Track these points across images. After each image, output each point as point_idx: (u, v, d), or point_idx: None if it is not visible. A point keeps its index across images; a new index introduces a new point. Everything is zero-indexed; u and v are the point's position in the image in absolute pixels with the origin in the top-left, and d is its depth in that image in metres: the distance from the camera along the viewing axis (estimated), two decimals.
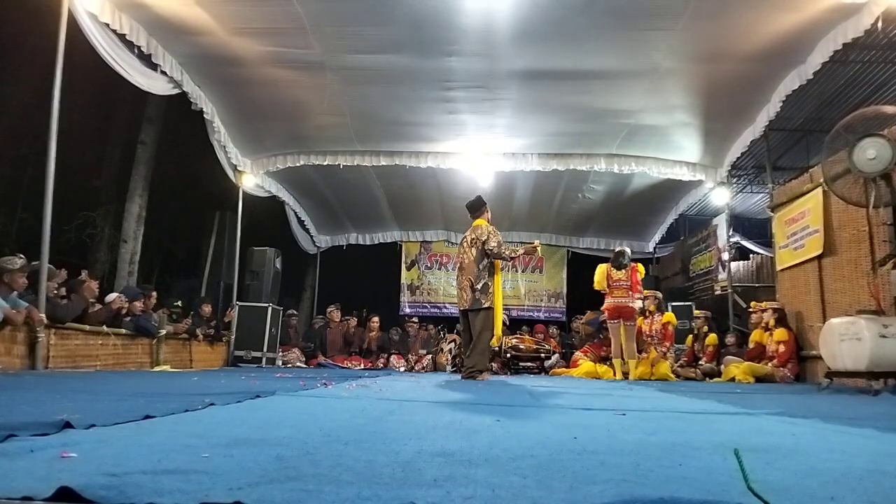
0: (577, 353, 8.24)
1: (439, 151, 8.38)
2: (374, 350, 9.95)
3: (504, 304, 11.95)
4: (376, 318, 10.16)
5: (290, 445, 1.31)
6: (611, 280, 7.06)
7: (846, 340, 4.43)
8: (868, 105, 6.26)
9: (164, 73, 5.99)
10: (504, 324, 9.74)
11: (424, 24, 5.47)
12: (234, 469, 1.04)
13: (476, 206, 6.11)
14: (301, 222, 11.17)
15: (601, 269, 7.18)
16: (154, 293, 6.78)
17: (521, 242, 12.42)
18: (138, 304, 6.25)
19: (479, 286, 5.69)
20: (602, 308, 7.27)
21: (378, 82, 6.59)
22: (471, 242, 5.85)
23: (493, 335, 5.77)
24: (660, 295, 7.99)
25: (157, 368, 6.10)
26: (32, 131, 8.62)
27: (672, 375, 7.14)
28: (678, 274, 11.83)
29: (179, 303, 7.55)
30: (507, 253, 5.85)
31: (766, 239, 10.28)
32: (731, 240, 9.67)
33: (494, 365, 8.90)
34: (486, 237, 5.76)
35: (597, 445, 1.44)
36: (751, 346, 7.19)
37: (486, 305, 5.67)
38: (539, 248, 6.14)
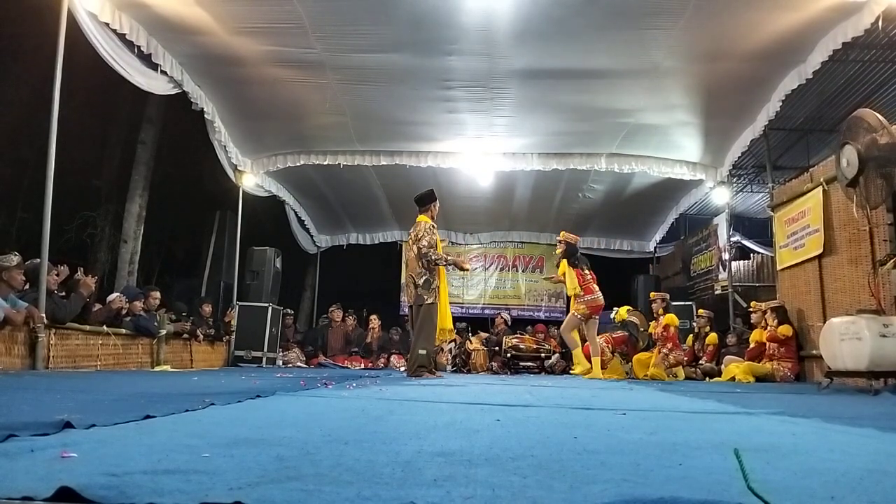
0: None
1: (439, 151, 8.38)
2: (374, 350, 9.96)
3: (504, 304, 12.20)
4: (377, 318, 10.16)
5: (290, 445, 1.31)
6: (587, 277, 6.73)
7: (846, 340, 4.42)
8: (867, 106, 6.25)
9: (164, 72, 5.99)
10: (506, 322, 9.80)
11: (424, 23, 5.47)
12: (234, 469, 1.04)
13: (422, 200, 5.97)
14: (301, 222, 11.17)
15: (571, 274, 6.73)
16: (158, 294, 6.78)
17: (522, 242, 12.47)
18: (138, 304, 6.26)
19: (420, 282, 5.68)
20: (590, 306, 6.75)
21: (378, 82, 6.59)
22: (413, 239, 5.82)
23: (436, 331, 5.71)
24: (667, 296, 7.93)
25: (157, 368, 6.11)
26: (32, 131, 8.62)
27: (663, 374, 7.10)
28: (679, 274, 11.83)
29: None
30: (433, 257, 5.68)
31: (766, 238, 10.28)
32: (732, 239, 9.67)
33: (494, 364, 8.91)
34: (420, 235, 5.73)
35: (597, 445, 1.44)
36: (751, 345, 7.18)
37: (428, 301, 5.65)
38: (468, 271, 6.17)
